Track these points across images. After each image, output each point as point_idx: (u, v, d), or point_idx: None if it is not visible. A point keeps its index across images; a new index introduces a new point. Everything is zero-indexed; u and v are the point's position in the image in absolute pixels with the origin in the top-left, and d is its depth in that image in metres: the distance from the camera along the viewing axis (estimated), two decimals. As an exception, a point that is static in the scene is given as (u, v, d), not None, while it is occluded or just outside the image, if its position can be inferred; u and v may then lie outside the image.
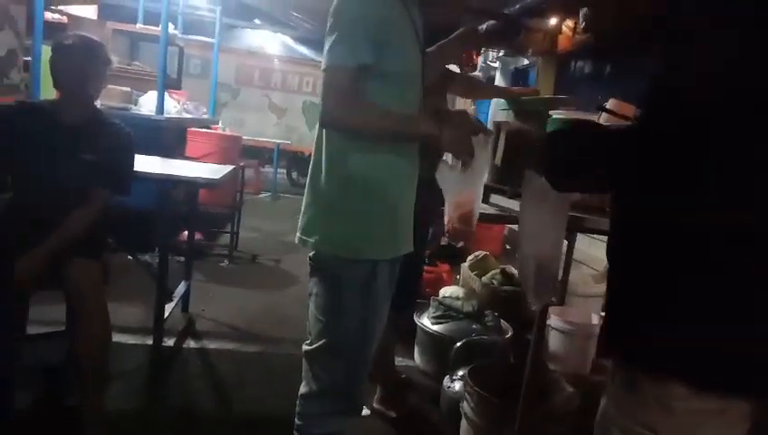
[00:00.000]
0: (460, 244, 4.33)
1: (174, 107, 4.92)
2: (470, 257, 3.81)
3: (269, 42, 10.75)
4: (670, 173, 0.92)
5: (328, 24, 1.46)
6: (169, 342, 2.89)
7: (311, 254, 1.55)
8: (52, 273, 1.93)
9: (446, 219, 1.66)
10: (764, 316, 0.91)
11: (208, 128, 6.05)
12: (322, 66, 1.44)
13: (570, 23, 6.93)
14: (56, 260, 1.93)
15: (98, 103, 3.14)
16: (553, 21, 6.78)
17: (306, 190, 1.57)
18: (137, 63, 6.05)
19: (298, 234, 1.56)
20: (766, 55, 0.87)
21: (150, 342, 2.60)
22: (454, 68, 2.64)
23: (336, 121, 1.46)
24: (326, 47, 1.44)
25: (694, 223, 0.92)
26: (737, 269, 0.91)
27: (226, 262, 4.58)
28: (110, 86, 4.40)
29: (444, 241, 4.72)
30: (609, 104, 2.75)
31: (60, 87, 2.09)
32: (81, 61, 2.05)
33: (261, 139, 8.75)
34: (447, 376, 2.51)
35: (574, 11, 6.30)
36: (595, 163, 1.02)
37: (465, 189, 1.61)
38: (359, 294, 1.51)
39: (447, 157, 1.62)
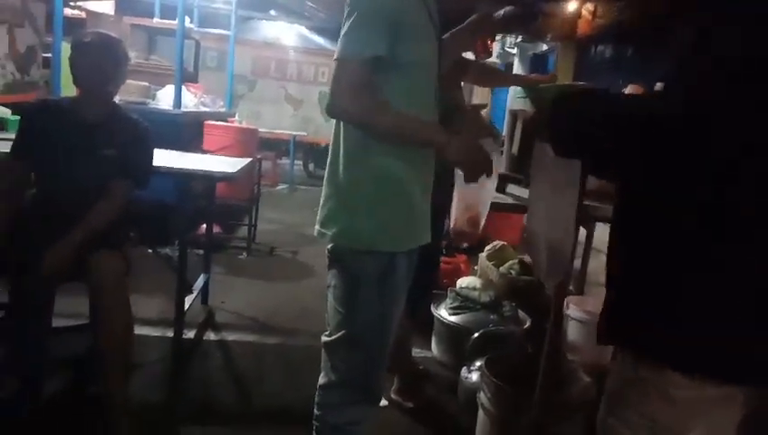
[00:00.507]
0: (464, 245, 4.23)
1: (191, 100, 4.94)
2: (488, 247, 3.79)
3: (285, 33, 10.74)
4: (678, 165, 0.91)
5: (345, 13, 1.44)
6: (190, 334, 2.93)
7: (329, 246, 1.56)
8: (76, 266, 1.97)
9: (452, 219, 1.66)
10: (761, 309, 0.91)
11: (225, 121, 6.08)
12: (335, 55, 1.43)
13: (590, 7, 6.81)
14: (80, 253, 1.97)
15: (116, 99, 3.19)
16: (573, 5, 6.67)
17: (325, 183, 1.57)
18: (154, 58, 6.10)
19: (317, 226, 1.57)
20: None
21: (171, 334, 2.65)
22: (469, 56, 2.61)
23: (346, 114, 1.46)
24: (341, 36, 1.43)
25: (696, 217, 0.92)
26: (737, 264, 0.91)
27: (245, 254, 4.62)
28: (129, 81, 4.46)
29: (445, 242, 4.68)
30: (628, 90, 2.71)
31: (79, 85, 2.12)
32: (100, 59, 2.07)
33: (277, 131, 8.78)
34: (465, 367, 2.51)
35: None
36: (600, 138, 1.00)
37: (473, 189, 1.60)
38: (376, 287, 1.51)
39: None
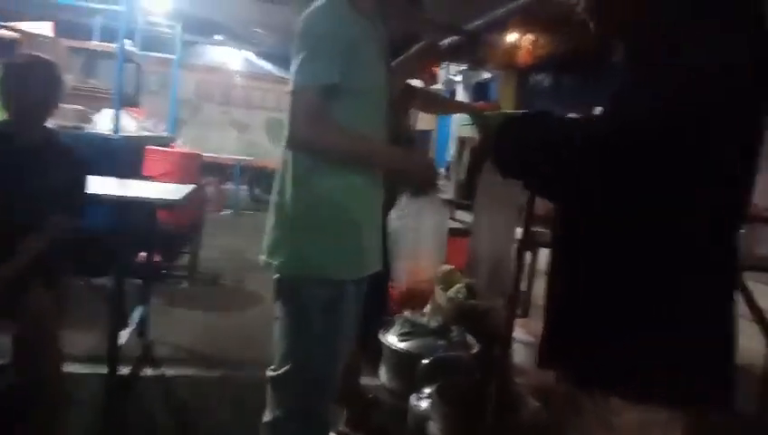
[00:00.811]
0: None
1: (132, 125, 4.81)
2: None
3: (231, 57, 10.66)
4: (623, 191, 0.92)
5: (295, 43, 1.44)
6: (125, 370, 2.77)
7: (275, 276, 1.52)
8: (4, 303, 1.83)
9: (396, 281, 1.65)
10: (694, 332, 0.94)
11: (167, 145, 5.93)
12: (290, 87, 1.42)
13: (530, 38, 7.10)
14: (9, 290, 1.84)
15: (50, 122, 3.04)
16: (514, 36, 6.93)
17: (271, 210, 1.54)
18: (93, 81, 5.90)
19: (262, 256, 1.53)
20: (743, 65, 0.88)
21: (105, 371, 2.49)
22: (416, 83, 2.64)
23: (306, 143, 1.44)
24: (294, 67, 1.42)
25: (638, 246, 0.93)
26: (670, 290, 0.93)
27: (186, 284, 4.47)
28: (63, 105, 4.28)
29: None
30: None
31: (9, 108, 2.02)
32: (31, 81, 1.99)
33: (222, 155, 8.63)
34: (414, 394, 2.48)
35: (534, 27, 6.45)
36: (545, 162, 1.00)
37: (421, 248, 1.58)
38: (325, 316, 1.48)
39: (402, 201, 1.61)
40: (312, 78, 1.40)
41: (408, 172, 1.52)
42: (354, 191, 1.50)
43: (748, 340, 1.76)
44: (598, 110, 1.08)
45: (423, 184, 1.55)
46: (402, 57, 1.88)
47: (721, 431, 1.46)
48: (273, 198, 1.53)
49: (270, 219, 1.53)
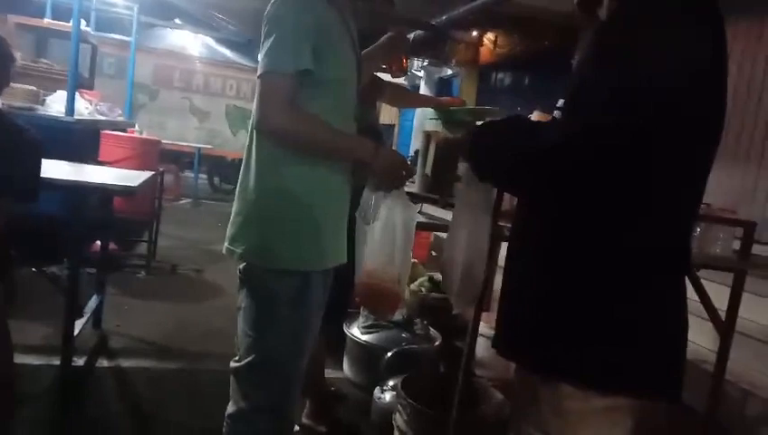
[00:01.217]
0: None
1: (86, 108, 4.62)
2: (398, 265, 3.81)
3: (190, 42, 10.37)
4: (599, 194, 0.94)
5: (263, 29, 1.42)
6: (80, 362, 2.68)
7: (240, 266, 1.50)
8: None
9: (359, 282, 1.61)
10: (642, 324, 0.98)
11: (124, 131, 5.74)
12: (259, 71, 1.40)
13: (491, 36, 7.18)
14: None
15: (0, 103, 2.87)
16: (476, 34, 7.00)
17: (236, 199, 1.51)
18: (44, 61, 5.64)
19: (226, 244, 1.51)
20: (705, 77, 0.92)
21: (58, 362, 2.40)
22: (384, 76, 2.64)
23: (276, 129, 1.42)
24: (262, 52, 1.40)
25: (589, 241, 0.97)
26: (621, 283, 0.97)
27: (143, 273, 4.34)
28: (13, 85, 4.08)
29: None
30: (534, 116, 2.85)
31: None
32: None
33: (181, 142, 8.41)
34: (378, 387, 2.49)
35: (496, 25, 6.53)
36: (520, 168, 1.02)
37: (388, 246, 1.55)
38: (289, 307, 1.46)
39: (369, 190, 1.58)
40: (282, 63, 1.38)
41: (378, 166, 1.49)
42: (320, 181, 1.49)
43: (703, 337, 1.84)
44: (560, 102, 1.10)
45: (392, 179, 1.54)
46: (370, 48, 1.87)
47: (671, 425, 1.52)
48: (238, 185, 1.51)
49: (234, 207, 1.51)
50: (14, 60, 2.03)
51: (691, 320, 1.06)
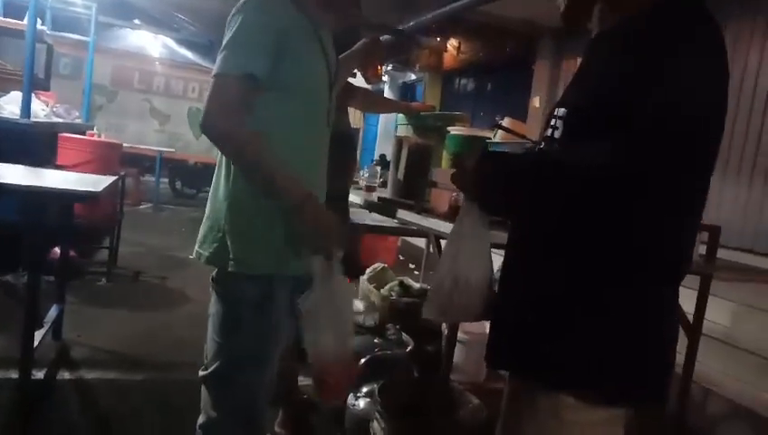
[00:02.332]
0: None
1: (42, 110, 4.47)
2: (368, 270, 3.81)
3: (149, 43, 10.13)
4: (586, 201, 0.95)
5: (226, 30, 1.40)
6: (39, 374, 2.58)
7: (213, 273, 1.47)
8: None
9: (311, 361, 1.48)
10: (649, 335, 1.01)
11: (83, 133, 5.56)
12: (213, 72, 1.38)
13: (454, 42, 7.27)
14: None
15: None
16: (440, 40, 7.07)
17: (208, 202, 1.50)
18: (-3, 61, 5.42)
19: (196, 247, 1.49)
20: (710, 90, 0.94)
21: (16, 375, 2.29)
22: (357, 81, 2.63)
23: (217, 133, 1.37)
24: (219, 53, 1.38)
25: (589, 253, 0.98)
26: (626, 294, 0.99)
27: (105, 281, 4.21)
28: (-37, 85, 3.90)
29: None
30: (506, 122, 2.89)
31: None
32: None
33: (141, 146, 8.19)
34: (351, 394, 2.47)
35: (459, 32, 6.62)
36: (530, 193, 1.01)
37: (329, 336, 1.39)
38: (254, 312, 1.44)
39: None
40: (234, 66, 1.36)
41: (302, 218, 1.37)
42: None
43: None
44: (559, 111, 1.08)
45: (316, 238, 1.40)
46: (345, 54, 1.86)
47: (642, 426, 1.55)
48: (211, 189, 1.50)
49: (206, 211, 1.51)
50: None
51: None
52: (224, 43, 1.39)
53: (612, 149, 0.92)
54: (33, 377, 2.40)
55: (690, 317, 1.75)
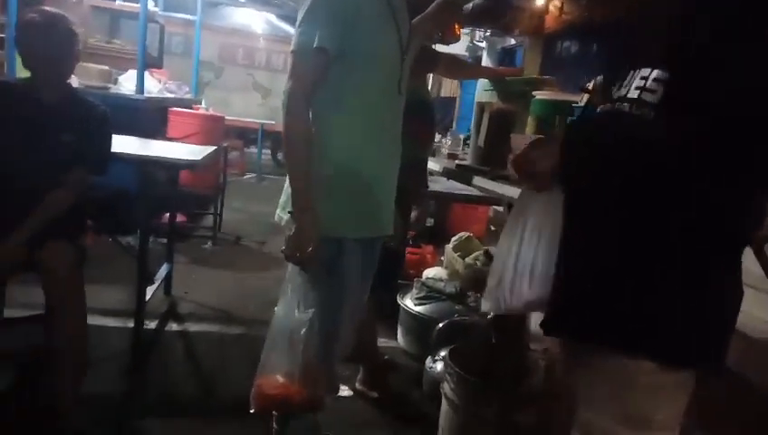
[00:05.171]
0: None
1: (155, 86, 4.83)
2: (454, 239, 3.81)
3: (253, 20, 10.54)
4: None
5: (299, 9, 1.49)
6: (151, 325, 2.88)
7: None
8: (28, 256, 1.90)
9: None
10: (717, 301, 1.00)
11: (191, 108, 5.96)
12: (291, 48, 1.48)
13: (557, 3, 6.89)
14: (32, 243, 1.90)
15: (75, 82, 3.07)
16: (541, 1, 6.74)
17: None
18: (116, 41, 5.92)
19: (277, 210, 1.58)
20: None
21: (132, 325, 2.58)
22: (441, 48, 2.60)
23: (285, 117, 1.49)
24: (295, 31, 1.48)
25: (663, 220, 0.96)
26: (699, 264, 0.98)
27: (210, 244, 4.54)
28: (88, 65, 4.32)
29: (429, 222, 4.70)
30: (592, 86, 2.75)
31: (28, 66, 2.03)
32: (44, 38, 1.96)
33: (245, 119, 8.63)
34: (429, 357, 2.53)
35: (561, -10, 6.26)
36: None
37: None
38: (325, 271, 1.54)
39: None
40: (308, 42, 1.43)
41: (293, 228, 1.48)
42: (361, 153, 1.55)
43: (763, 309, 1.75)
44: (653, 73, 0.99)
45: (291, 249, 1.49)
46: (419, 17, 1.85)
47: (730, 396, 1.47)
48: None
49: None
50: (77, 36, 2.06)
51: (749, 292, 1.05)
52: (298, 20, 1.46)
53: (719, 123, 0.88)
54: (145, 327, 2.69)
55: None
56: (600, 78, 2.35)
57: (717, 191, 0.92)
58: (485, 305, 1.18)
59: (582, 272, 1.08)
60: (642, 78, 1.00)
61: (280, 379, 1.54)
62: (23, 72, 2.12)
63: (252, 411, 1.63)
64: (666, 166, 0.93)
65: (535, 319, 2.72)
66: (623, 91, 1.05)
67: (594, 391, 1.05)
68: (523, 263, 1.10)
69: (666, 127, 0.95)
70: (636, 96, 1.00)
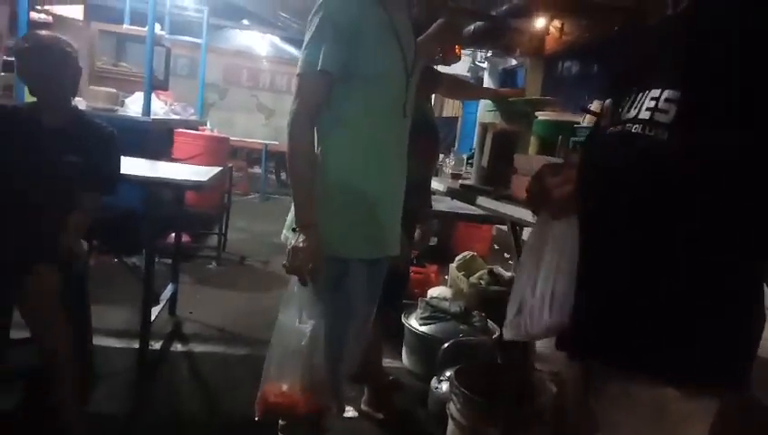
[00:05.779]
0: None
1: (161, 108, 4.88)
2: (458, 258, 3.82)
3: (257, 42, 10.70)
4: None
5: (305, 32, 1.52)
6: (156, 345, 2.87)
7: None
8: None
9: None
10: (743, 323, 0.99)
11: (196, 129, 6.02)
12: (297, 70, 1.51)
13: (557, 24, 6.96)
14: (19, 267, 1.85)
15: (83, 104, 3.10)
16: (541, 22, 6.81)
17: None
18: (123, 64, 6.00)
19: (284, 231, 1.60)
20: None
21: (137, 345, 2.59)
22: (442, 68, 2.63)
23: (288, 138, 1.51)
24: (301, 54, 1.51)
25: (690, 242, 0.94)
26: (736, 290, 0.97)
27: (214, 264, 4.56)
28: (95, 88, 4.38)
29: (433, 242, 4.70)
30: (594, 106, 2.78)
31: (32, 91, 2.06)
32: (39, 60, 1.99)
33: (249, 139, 8.71)
34: (435, 377, 2.52)
35: (562, 12, 6.33)
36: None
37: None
38: (330, 291, 1.55)
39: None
40: (312, 64, 1.47)
41: (295, 241, 1.48)
42: (367, 174, 1.56)
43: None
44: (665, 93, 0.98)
45: (294, 263, 1.49)
46: (421, 37, 1.88)
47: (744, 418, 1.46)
48: None
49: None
50: (76, 56, 2.09)
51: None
52: (304, 43, 1.50)
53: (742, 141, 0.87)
54: (150, 347, 2.68)
55: None
56: (608, 100, 2.37)
57: (748, 209, 0.90)
58: (507, 334, 1.17)
59: (604, 295, 1.05)
60: (653, 99, 0.98)
61: (284, 386, 1.53)
62: (29, 98, 2.14)
63: (257, 419, 1.62)
64: (692, 185, 0.92)
65: (548, 340, 2.71)
66: (633, 113, 1.02)
67: (618, 417, 1.03)
68: (541, 289, 1.08)
69: (690, 146, 0.92)
70: (648, 117, 0.98)
